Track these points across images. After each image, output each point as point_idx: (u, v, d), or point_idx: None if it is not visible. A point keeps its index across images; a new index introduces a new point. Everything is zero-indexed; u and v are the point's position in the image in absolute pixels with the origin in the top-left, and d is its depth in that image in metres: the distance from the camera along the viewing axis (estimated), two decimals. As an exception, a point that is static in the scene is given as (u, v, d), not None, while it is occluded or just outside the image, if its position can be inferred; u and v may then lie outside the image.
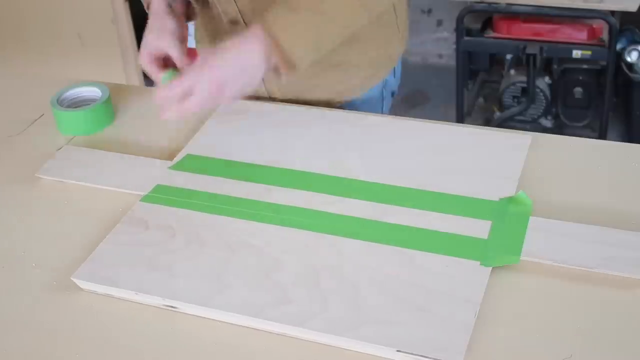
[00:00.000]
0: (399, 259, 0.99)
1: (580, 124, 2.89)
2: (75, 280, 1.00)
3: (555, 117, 2.92)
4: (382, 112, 1.44)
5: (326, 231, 1.04)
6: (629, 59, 2.70)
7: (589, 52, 2.61)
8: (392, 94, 1.45)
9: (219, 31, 1.32)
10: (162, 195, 1.13)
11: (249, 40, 1.10)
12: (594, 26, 2.61)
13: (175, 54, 1.18)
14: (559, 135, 1.25)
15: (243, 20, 1.26)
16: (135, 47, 2.77)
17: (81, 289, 1.00)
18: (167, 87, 1.10)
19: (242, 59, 1.10)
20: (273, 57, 1.09)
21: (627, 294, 0.93)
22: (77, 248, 1.06)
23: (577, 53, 2.61)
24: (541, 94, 2.83)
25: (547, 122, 2.93)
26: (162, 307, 0.96)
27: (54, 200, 1.17)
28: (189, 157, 1.21)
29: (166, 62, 1.19)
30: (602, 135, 2.76)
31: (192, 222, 1.08)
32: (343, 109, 1.37)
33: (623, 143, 1.22)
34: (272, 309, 0.92)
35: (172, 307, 0.96)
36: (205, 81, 1.08)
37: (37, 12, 2.78)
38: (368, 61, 1.35)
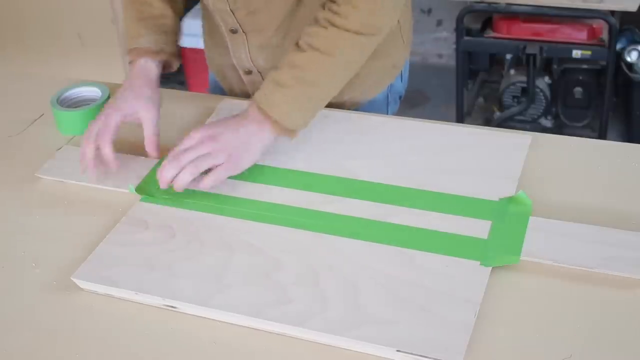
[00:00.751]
0: (399, 259, 0.99)
1: (580, 124, 2.89)
2: (75, 280, 1.00)
3: (555, 117, 2.92)
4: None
5: (326, 231, 1.04)
6: (629, 59, 2.70)
7: (589, 52, 2.61)
8: (400, 97, 1.45)
9: (221, 37, 1.33)
10: (161, 195, 1.13)
11: (244, 118, 1.12)
12: (594, 26, 2.61)
13: (149, 130, 1.18)
14: (559, 135, 1.25)
15: (242, 29, 1.26)
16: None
17: (81, 289, 1.00)
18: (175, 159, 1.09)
19: (240, 129, 1.11)
20: (272, 131, 1.12)
21: (627, 294, 0.93)
22: (77, 248, 1.06)
23: (577, 53, 2.61)
24: (541, 94, 2.83)
25: (547, 122, 2.93)
26: (162, 307, 0.96)
27: (54, 200, 1.17)
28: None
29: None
30: (602, 135, 2.76)
31: (192, 222, 1.08)
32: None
33: (623, 143, 1.22)
34: (272, 308, 0.92)
35: (172, 307, 0.96)
36: (198, 138, 1.09)
37: (37, 12, 2.77)
38: (372, 72, 1.33)
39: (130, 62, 1.26)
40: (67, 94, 1.35)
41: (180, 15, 1.32)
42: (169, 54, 1.26)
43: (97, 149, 1.15)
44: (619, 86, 2.86)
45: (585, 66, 2.80)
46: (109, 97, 1.33)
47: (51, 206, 1.16)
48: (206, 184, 1.08)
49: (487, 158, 1.16)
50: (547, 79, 2.85)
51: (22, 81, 1.51)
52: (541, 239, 1.00)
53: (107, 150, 1.15)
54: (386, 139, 1.22)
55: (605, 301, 0.92)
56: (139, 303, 0.97)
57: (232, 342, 0.92)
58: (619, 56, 2.69)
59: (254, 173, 1.16)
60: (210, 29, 1.36)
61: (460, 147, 1.18)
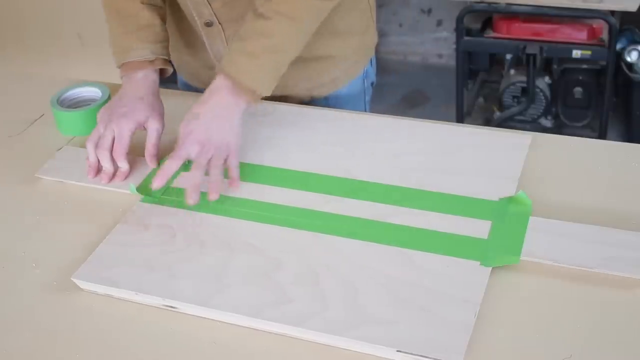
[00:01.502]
0: (399, 259, 0.99)
1: (580, 124, 2.89)
2: (75, 280, 1.00)
3: (555, 117, 2.93)
4: (364, 104, 1.47)
5: (326, 231, 1.04)
6: (628, 59, 2.70)
7: (588, 52, 2.61)
8: (372, 84, 1.49)
9: (194, 36, 1.34)
10: (161, 195, 1.13)
11: (216, 93, 1.14)
12: (594, 26, 2.61)
13: (153, 141, 1.19)
14: (559, 135, 1.25)
15: (218, 21, 1.27)
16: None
17: (81, 289, 1.00)
18: (164, 172, 1.09)
19: (215, 111, 1.13)
20: (245, 100, 1.14)
21: (627, 294, 0.93)
22: (77, 248, 1.06)
23: (577, 53, 2.61)
24: (541, 94, 2.83)
25: (547, 122, 2.93)
26: (162, 307, 0.96)
27: (54, 200, 1.17)
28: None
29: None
30: (602, 135, 2.76)
31: (192, 222, 1.08)
32: (328, 105, 1.37)
33: (623, 143, 1.22)
34: (272, 309, 0.92)
35: (171, 307, 0.96)
36: (193, 144, 1.10)
37: (37, 12, 2.77)
38: (349, 52, 1.38)
39: (123, 76, 1.25)
40: (67, 94, 1.35)
41: (165, 21, 1.32)
42: (163, 61, 1.27)
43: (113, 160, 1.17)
44: (619, 86, 2.86)
45: (585, 66, 2.80)
46: (109, 97, 1.33)
47: (51, 206, 1.16)
48: (236, 183, 1.12)
49: (487, 158, 1.16)
50: (547, 79, 2.85)
51: (22, 81, 1.51)
52: (541, 239, 1.00)
53: (125, 166, 1.17)
54: (386, 139, 1.22)
55: (605, 301, 0.92)
56: (139, 303, 0.97)
57: (232, 342, 0.92)
58: (619, 56, 2.69)
59: (253, 173, 1.16)
60: (180, 29, 1.37)
61: (460, 147, 1.18)
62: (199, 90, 1.44)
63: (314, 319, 0.91)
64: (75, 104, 1.35)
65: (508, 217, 1.04)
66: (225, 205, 1.10)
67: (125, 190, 1.15)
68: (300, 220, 1.06)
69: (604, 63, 2.69)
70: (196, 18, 1.29)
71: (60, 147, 1.27)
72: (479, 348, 0.87)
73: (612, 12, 2.58)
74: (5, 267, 1.05)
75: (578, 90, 2.81)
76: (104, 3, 1.30)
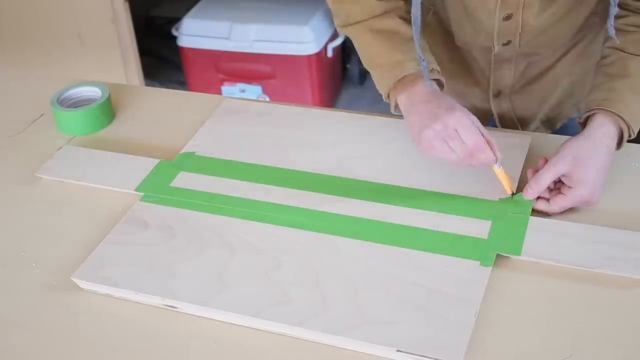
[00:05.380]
0: (399, 259, 0.99)
1: (581, 124, 2.89)
2: (75, 280, 1.00)
3: (555, 117, 2.92)
4: None
5: (326, 231, 1.04)
6: (629, 59, 2.69)
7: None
8: None
9: (469, 57, 1.27)
10: (161, 195, 1.13)
11: (603, 144, 1.06)
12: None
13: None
14: (559, 135, 1.24)
15: (518, 43, 1.19)
16: (136, 47, 2.77)
17: (81, 289, 1.00)
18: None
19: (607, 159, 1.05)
20: (615, 138, 1.08)
21: (627, 294, 0.93)
22: (77, 248, 1.06)
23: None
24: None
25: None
26: (162, 307, 0.96)
27: (54, 200, 1.17)
28: (188, 156, 1.21)
29: None
30: (602, 136, 2.75)
31: (192, 222, 1.08)
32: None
33: (623, 143, 1.22)
34: (272, 308, 0.92)
35: (172, 307, 0.96)
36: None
37: (37, 12, 2.78)
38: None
39: (400, 95, 1.12)
40: (67, 94, 1.35)
41: None
42: (438, 72, 1.14)
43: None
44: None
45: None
46: (109, 97, 1.33)
47: (51, 206, 1.16)
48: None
49: (487, 158, 1.16)
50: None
51: (22, 81, 1.51)
52: (541, 239, 1.00)
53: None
54: (386, 139, 1.22)
55: (605, 301, 0.92)
56: (139, 303, 0.97)
57: (232, 342, 0.92)
58: (619, 56, 2.69)
59: (254, 173, 1.16)
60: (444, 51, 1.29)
61: (460, 147, 1.18)
62: None
63: (314, 319, 0.91)
64: (75, 104, 1.35)
65: (508, 217, 1.04)
66: (225, 205, 1.10)
67: (125, 190, 1.15)
68: (300, 220, 1.07)
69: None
70: (495, 40, 1.20)
71: (60, 147, 1.27)
72: (479, 348, 0.87)
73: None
74: (5, 267, 1.05)
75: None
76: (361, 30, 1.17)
